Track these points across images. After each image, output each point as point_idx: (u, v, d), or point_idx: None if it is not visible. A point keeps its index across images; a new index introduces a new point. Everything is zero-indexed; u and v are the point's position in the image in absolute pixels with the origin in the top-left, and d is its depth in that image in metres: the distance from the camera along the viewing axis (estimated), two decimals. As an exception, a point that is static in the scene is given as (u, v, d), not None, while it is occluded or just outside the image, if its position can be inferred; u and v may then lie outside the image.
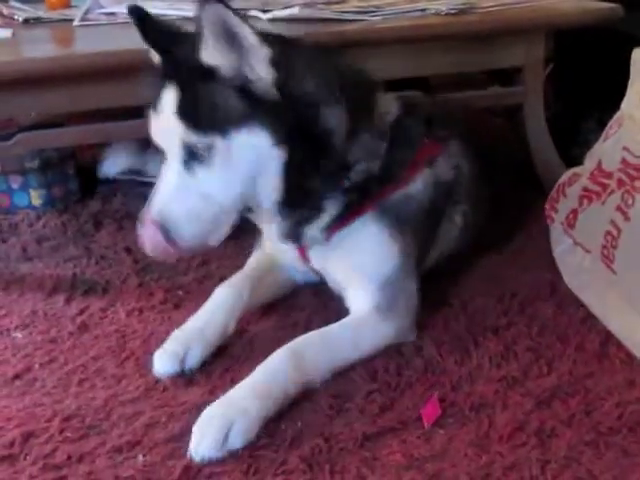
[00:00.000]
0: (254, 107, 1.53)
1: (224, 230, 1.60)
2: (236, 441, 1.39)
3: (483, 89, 2.45)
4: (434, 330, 1.73)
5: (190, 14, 2.28)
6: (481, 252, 2.02)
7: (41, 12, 2.54)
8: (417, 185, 1.74)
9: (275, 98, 1.53)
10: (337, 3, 2.37)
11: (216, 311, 1.72)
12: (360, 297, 1.71)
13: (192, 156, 1.54)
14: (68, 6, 2.62)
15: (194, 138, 1.52)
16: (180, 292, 1.94)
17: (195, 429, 1.41)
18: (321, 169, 1.61)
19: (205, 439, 1.39)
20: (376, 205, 1.69)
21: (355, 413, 1.49)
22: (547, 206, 2.00)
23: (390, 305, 1.69)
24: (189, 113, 1.52)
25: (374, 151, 1.68)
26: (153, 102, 1.57)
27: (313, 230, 1.68)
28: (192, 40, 1.52)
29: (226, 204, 1.57)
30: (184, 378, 1.61)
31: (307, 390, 1.54)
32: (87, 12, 2.47)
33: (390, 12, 2.23)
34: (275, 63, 1.51)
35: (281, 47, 1.55)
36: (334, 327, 1.67)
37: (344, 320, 1.70)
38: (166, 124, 1.55)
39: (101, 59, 2.00)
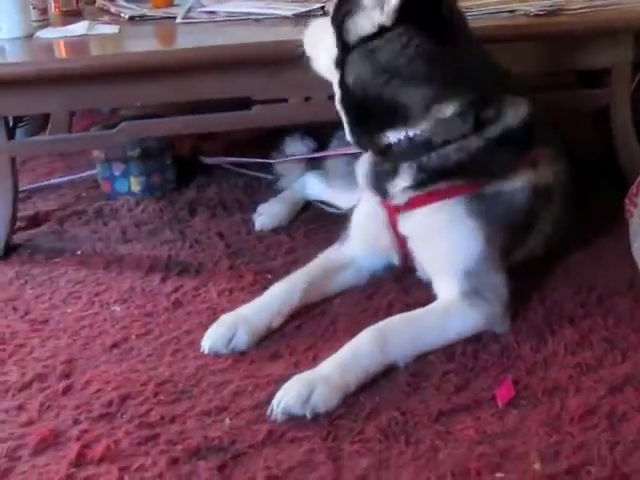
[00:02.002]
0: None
1: None
2: (317, 404, 1.47)
3: (569, 90, 2.46)
4: (512, 319, 1.76)
5: (286, 13, 2.40)
6: (562, 247, 2.05)
7: (146, 10, 2.67)
8: (515, 184, 1.78)
9: (386, 23, 1.68)
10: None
11: (264, 307, 1.80)
12: (446, 283, 1.76)
13: None
14: (171, 4, 2.75)
15: None
16: (269, 276, 2.02)
17: (281, 389, 1.51)
18: (379, 122, 1.77)
19: (288, 395, 1.48)
20: (467, 192, 1.74)
21: (431, 391, 1.55)
22: (626, 200, 2.01)
23: (477, 292, 1.72)
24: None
25: (468, 145, 1.73)
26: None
27: (395, 188, 1.77)
28: None
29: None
30: (270, 352, 1.70)
31: (386, 368, 1.61)
32: (189, 10, 2.58)
33: (479, 12, 2.26)
34: None
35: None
36: (422, 311, 1.72)
37: (431, 305, 1.74)
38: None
39: (201, 54, 2.12)
